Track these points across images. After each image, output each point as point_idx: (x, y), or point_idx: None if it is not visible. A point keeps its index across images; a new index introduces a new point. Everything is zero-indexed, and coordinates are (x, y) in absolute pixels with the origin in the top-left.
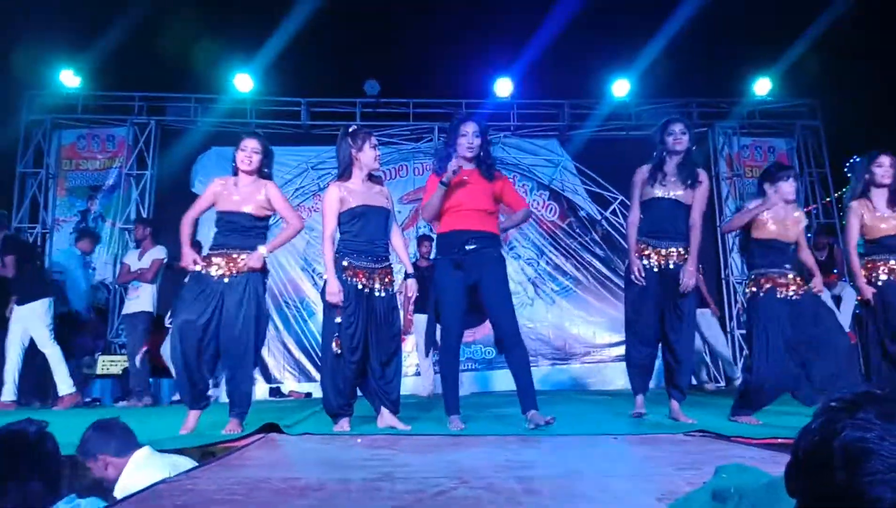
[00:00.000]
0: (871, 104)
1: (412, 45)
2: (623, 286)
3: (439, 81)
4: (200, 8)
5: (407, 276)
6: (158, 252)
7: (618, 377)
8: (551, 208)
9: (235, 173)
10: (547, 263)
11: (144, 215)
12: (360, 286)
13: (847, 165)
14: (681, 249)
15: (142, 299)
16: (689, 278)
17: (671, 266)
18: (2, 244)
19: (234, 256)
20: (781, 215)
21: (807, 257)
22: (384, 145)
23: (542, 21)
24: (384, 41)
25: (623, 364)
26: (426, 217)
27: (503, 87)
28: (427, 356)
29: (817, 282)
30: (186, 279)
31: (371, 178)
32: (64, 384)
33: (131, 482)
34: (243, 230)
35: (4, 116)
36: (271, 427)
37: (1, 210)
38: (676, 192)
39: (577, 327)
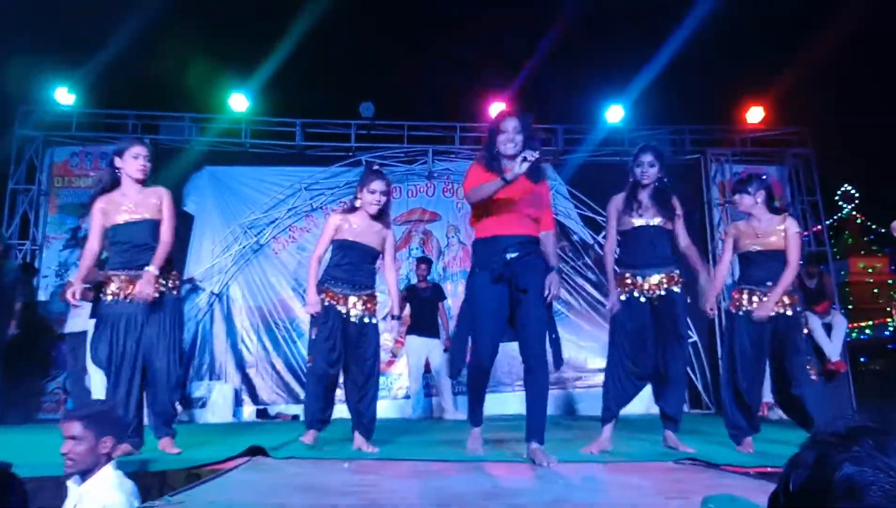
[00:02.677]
0: (862, 132)
1: (407, 67)
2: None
3: (434, 104)
4: (196, 27)
5: (393, 317)
6: None
7: None
8: None
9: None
10: None
11: None
12: (338, 307)
13: (840, 192)
14: (669, 274)
15: (83, 317)
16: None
17: (662, 293)
18: None
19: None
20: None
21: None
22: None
23: (537, 47)
24: (379, 63)
25: None
26: (470, 200)
27: (497, 111)
28: (453, 377)
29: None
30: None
31: (378, 217)
32: None
33: (112, 499)
34: (142, 244)
35: None
36: (257, 450)
37: None
38: (655, 219)
39: (569, 351)
